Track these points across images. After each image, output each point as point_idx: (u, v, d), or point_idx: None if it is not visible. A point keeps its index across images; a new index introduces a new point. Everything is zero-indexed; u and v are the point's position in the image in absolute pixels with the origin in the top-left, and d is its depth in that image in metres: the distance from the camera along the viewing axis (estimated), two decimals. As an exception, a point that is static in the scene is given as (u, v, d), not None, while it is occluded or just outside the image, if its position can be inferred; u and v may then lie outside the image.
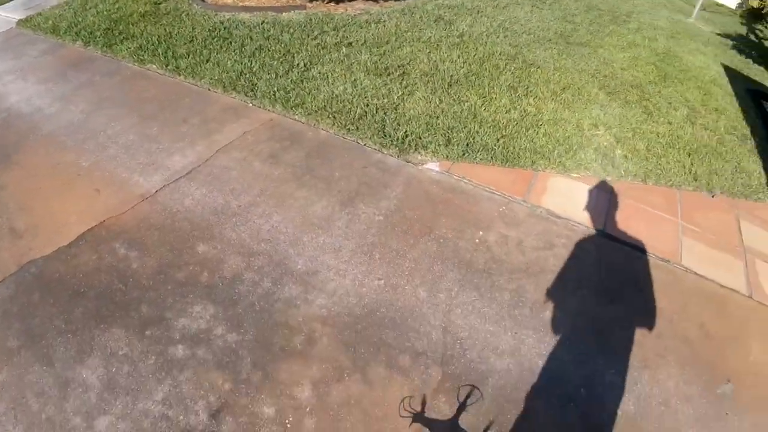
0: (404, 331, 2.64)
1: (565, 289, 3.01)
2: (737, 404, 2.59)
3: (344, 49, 5.54)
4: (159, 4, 6.44)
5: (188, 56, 5.11)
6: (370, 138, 4.11)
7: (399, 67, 5.28)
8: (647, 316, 2.98)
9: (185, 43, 5.37)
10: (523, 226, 3.41)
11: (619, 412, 2.47)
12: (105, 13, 6.07)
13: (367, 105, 4.53)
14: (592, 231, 3.49)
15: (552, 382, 2.52)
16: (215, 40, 5.52)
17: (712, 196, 4.26)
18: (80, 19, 5.89)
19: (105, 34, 5.57)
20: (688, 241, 3.61)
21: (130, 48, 5.26)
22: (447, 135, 4.22)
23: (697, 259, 3.47)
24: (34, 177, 3.52)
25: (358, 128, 4.21)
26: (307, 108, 4.41)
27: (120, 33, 5.60)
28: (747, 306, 3.19)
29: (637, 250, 3.41)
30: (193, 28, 5.75)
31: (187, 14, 6.17)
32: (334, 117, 4.32)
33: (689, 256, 3.47)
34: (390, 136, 4.14)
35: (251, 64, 5.03)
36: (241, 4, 6.63)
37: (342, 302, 2.76)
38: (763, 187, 4.58)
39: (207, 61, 5.04)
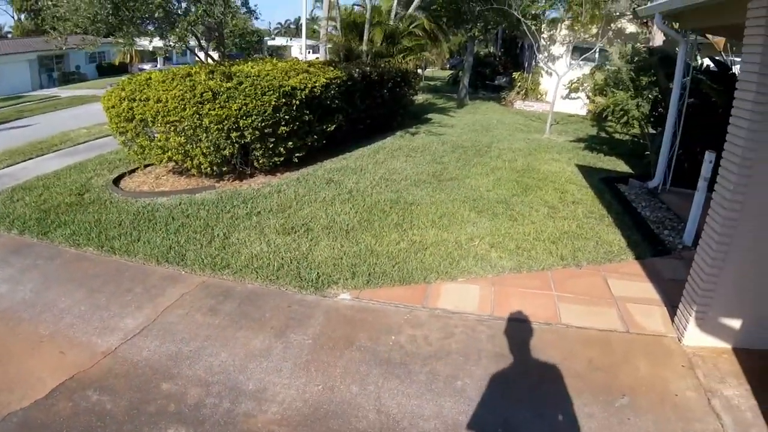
0: (346, 418, 3.33)
1: (468, 361, 3.89)
2: (637, 410, 3.45)
3: (254, 218, 6.55)
4: (82, 194, 7.25)
5: (120, 238, 5.87)
6: (290, 283, 4.98)
7: (303, 225, 6.34)
8: (541, 366, 3.90)
9: (115, 227, 6.16)
10: (426, 326, 4.33)
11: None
12: (33, 204, 6.81)
13: (282, 258, 5.45)
14: (483, 317, 4.48)
15: (474, 429, 3.29)
16: (141, 222, 6.36)
17: (580, 268, 5.48)
18: (10, 210, 6.59)
19: (38, 222, 6.28)
20: (564, 305, 4.73)
21: (64, 234, 5.96)
22: (352, 270, 5.20)
23: (575, 316, 4.55)
24: (0, 345, 3.99)
25: (278, 278, 5.08)
26: (233, 268, 5.24)
27: (52, 221, 6.32)
28: (627, 339, 4.26)
29: (522, 322, 4.43)
30: (119, 214, 6.57)
31: (111, 202, 7.02)
32: (257, 272, 5.17)
33: (567, 316, 4.54)
34: (305, 279, 5.03)
35: (177, 238, 5.87)
36: (157, 189, 7.57)
37: (292, 407, 3.42)
38: (624, 250, 5.96)
39: (138, 240, 5.82)
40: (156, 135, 7.86)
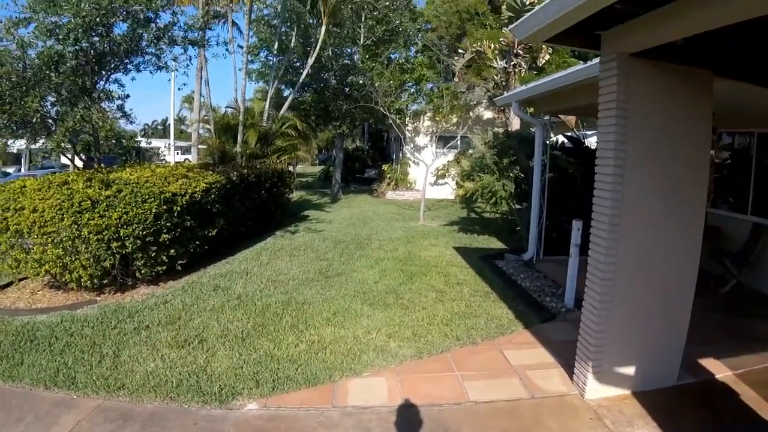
0: None
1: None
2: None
3: (143, 332, 6.41)
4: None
5: (1, 361, 5.46)
6: (192, 399, 4.93)
7: (196, 336, 6.31)
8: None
9: (-7, 352, 5.70)
10: (340, 425, 4.49)
11: None
12: None
13: (180, 373, 5.38)
14: (394, 407, 4.74)
15: None
16: (23, 343, 5.95)
17: (476, 345, 5.98)
18: None
19: None
20: (469, 383, 5.13)
21: (-71, 371, 5.39)
22: (254, 378, 5.28)
23: (481, 391, 4.96)
24: None
25: (179, 394, 5.01)
26: (128, 388, 5.08)
27: None
28: (533, 404, 4.72)
29: (433, 406, 4.73)
30: (-5, 337, 6.09)
31: (-16, 324, 6.47)
32: (155, 390, 5.06)
33: (474, 392, 4.94)
34: (208, 393, 5.02)
35: (64, 359, 5.57)
36: (34, 306, 7.12)
37: None
38: (513, 322, 6.61)
39: (21, 364, 5.44)
40: (32, 247, 7.48)
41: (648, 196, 4.57)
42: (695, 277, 4.85)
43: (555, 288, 8.06)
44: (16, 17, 8.66)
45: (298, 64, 22.19)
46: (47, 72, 8.52)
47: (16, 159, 36.53)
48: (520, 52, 18.73)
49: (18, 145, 11.54)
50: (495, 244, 11.63)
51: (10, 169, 37.50)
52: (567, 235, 7.24)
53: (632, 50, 4.38)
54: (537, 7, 4.54)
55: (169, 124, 29.77)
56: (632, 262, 4.61)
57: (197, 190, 9.11)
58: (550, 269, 9.01)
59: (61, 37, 8.44)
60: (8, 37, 8.44)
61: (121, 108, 10.47)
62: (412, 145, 22.15)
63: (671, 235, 4.69)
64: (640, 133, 4.48)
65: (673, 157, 4.61)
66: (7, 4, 8.72)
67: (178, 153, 32.71)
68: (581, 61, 11.89)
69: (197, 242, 9.28)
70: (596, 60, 5.42)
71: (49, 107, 9.54)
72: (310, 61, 19.17)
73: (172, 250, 8.37)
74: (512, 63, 18.85)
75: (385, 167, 24.10)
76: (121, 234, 7.44)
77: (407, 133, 21.11)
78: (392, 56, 23.81)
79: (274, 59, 20.39)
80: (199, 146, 20.47)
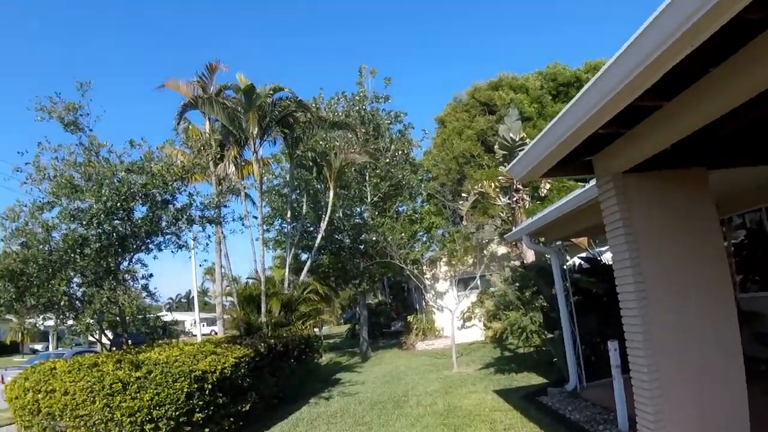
0: None
1: None
2: None
3: None
4: None
5: None
6: None
7: None
8: None
9: None
10: None
11: None
12: None
13: None
14: None
15: None
16: None
17: None
18: None
19: None
20: None
21: None
22: None
23: None
24: None
25: None
26: None
27: None
28: None
29: None
30: None
31: None
32: None
33: None
34: None
35: None
36: None
37: None
38: None
39: None
40: (65, 430, 7.32)
41: (674, 299, 4.53)
42: (742, 365, 4.63)
43: (606, 414, 7.60)
44: (41, 201, 9.27)
45: (311, 228, 23.12)
46: (72, 255, 8.90)
47: (44, 336, 36.76)
48: (520, 186, 19.47)
49: (47, 323, 11.74)
50: (535, 379, 11.14)
51: (39, 346, 37.66)
52: (605, 356, 6.98)
53: (624, 168, 4.60)
54: (525, 149, 4.88)
55: (193, 297, 30.27)
56: (676, 373, 4.44)
57: (227, 365, 9.06)
58: (597, 395, 8.55)
59: (84, 221, 8.95)
60: (33, 220, 8.96)
61: (145, 287, 10.77)
62: (433, 293, 22.17)
63: (706, 332, 4.56)
64: (651, 243, 4.55)
65: (688, 254, 4.63)
66: (32, 189, 9.35)
67: (203, 325, 32.82)
68: (581, 183, 12.36)
69: (231, 419, 9.00)
70: (593, 182, 5.66)
71: (76, 288, 9.82)
72: (323, 225, 19.97)
73: (206, 429, 8.12)
74: (515, 198, 19.50)
75: (410, 318, 23.89)
76: (154, 415, 7.31)
77: (426, 281, 21.24)
78: (400, 209, 24.79)
79: (289, 226, 21.28)
80: (224, 317, 20.61)
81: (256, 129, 17.18)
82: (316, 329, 19.90)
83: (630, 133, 4.26)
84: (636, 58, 2.98)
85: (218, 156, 18.58)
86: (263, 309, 16.62)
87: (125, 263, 10.36)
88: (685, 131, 3.75)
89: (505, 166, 16.29)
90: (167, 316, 21.01)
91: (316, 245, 20.68)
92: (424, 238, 23.78)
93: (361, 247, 22.80)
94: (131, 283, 10.55)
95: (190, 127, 21.07)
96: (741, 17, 2.45)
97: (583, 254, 14.62)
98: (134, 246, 10.17)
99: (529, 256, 17.81)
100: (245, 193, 19.63)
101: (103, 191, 8.94)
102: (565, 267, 10.07)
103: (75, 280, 9.77)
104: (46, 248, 9.01)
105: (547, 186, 19.96)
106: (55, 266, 8.88)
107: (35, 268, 8.71)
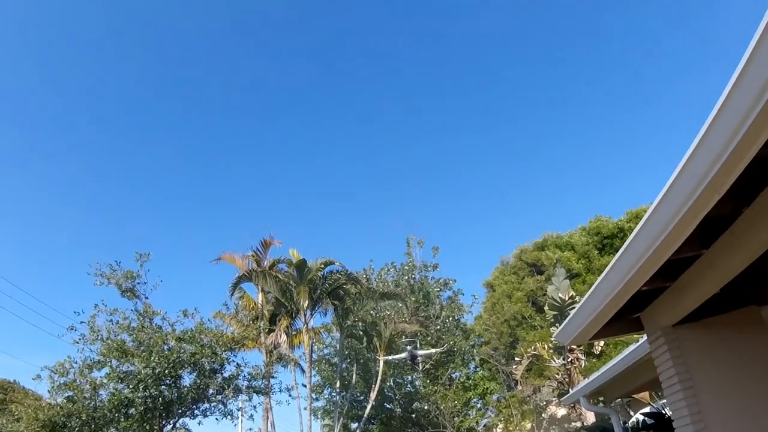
0: None
1: None
2: None
3: None
4: None
5: None
6: None
7: None
8: None
9: None
10: None
11: None
12: None
13: None
14: None
15: None
16: None
17: None
18: None
19: None
20: None
21: None
22: None
23: None
24: None
25: None
26: None
27: None
28: None
29: None
30: None
31: None
32: None
33: None
34: None
35: None
36: None
37: None
38: None
39: None
40: None
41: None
42: None
43: None
44: (91, 360, 9.72)
45: (361, 397, 22.59)
46: (116, 414, 9.10)
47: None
48: (574, 346, 18.87)
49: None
50: None
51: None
52: None
53: (674, 321, 4.44)
54: (571, 314, 4.85)
55: None
56: None
57: None
58: None
59: (131, 385, 9.29)
60: (82, 378, 9.33)
61: None
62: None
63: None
64: (710, 395, 4.31)
65: (752, 401, 4.35)
66: (83, 348, 9.85)
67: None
68: (637, 337, 12.05)
69: None
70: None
71: None
72: (373, 394, 19.59)
73: None
74: (569, 359, 18.82)
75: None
76: None
77: (485, 451, 19.94)
78: (453, 375, 24.12)
79: (338, 396, 20.93)
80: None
81: (307, 301, 17.89)
82: None
83: (675, 285, 4.18)
84: (663, 219, 3.08)
85: (268, 330, 19.07)
86: None
87: (169, 427, 10.51)
88: (730, 274, 3.67)
89: (557, 327, 16.07)
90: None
91: (365, 415, 20.09)
92: (479, 405, 22.72)
93: (413, 416, 21.94)
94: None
95: (244, 296, 22.04)
96: (760, 155, 2.54)
97: (647, 409, 13.72)
98: (179, 411, 10.38)
99: (590, 417, 16.69)
100: (295, 362, 19.85)
101: (153, 357, 9.43)
102: (628, 425, 9.53)
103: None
104: (92, 405, 9.29)
105: (602, 342, 19.27)
106: (98, 423, 9.11)
107: (78, 422, 8.93)
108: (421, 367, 22.86)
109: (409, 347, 18.52)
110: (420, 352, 19.39)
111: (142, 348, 9.74)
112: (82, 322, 10.08)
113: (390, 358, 19.81)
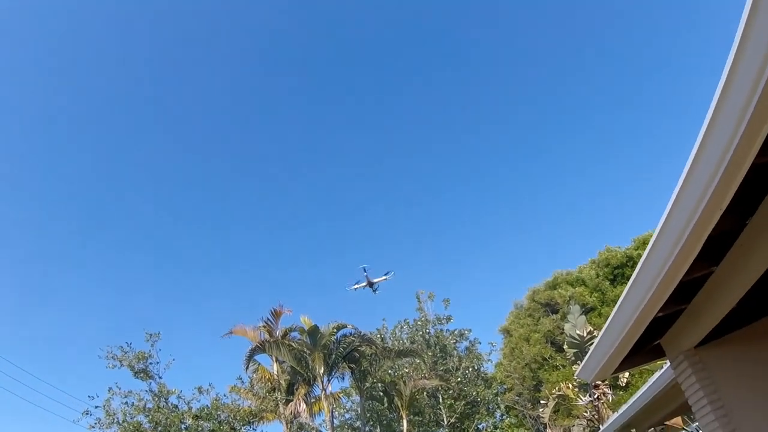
0: None
1: None
2: None
3: None
4: None
5: None
6: None
7: None
8: None
9: None
10: None
11: None
12: None
13: None
14: None
15: None
16: None
17: None
18: None
19: None
20: None
21: None
22: None
23: None
24: None
25: None
26: None
27: None
28: None
29: None
30: None
31: None
32: None
33: None
34: None
35: None
36: None
37: None
38: None
39: None
40: None
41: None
42: None
43: None
44: None
45: (387, 461, 21.95)
46: None
47: None
48: (599, 381, 18.47)
49: None
50: None
51: None
52: None
53: (695, 342, 4.34)
54: (590, 351, 4.78)
55: None
56: None
57: None
58: None
59: None
60: None
61: None
62: None
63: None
64: (742, 410, 4.22)
65: None
66: None
67: None
68: (660, 361, 11.81)
69: None
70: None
71: None
72: (399, 456, 19.09)
73: None
74: (596, 395, 18.38)
75: None
76: None
77: None
78: (480, 427, 23.49)
79: (362, 460, 20.37)
80: None
81: (323, 367, 17.69)
82: None
83: (690, 307, 4.14)
84: (668, 242, 3.10)
85: (285, 400, 18.74)
86: None
87: None
88: (744, 287, 3.60)
89: (579, 364, 15.81)
90: None
91: (392, 479, 19.48)
92: (510, 455, 22.02)
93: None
94: None
95: (258, 368, 21.74)
96: (757, 163, 2.54)
97: (680, 435, 13.30)
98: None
99: (625, 457, 16.09)
100: (316, 430, 19.42)
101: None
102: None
103: None
104: None
105: (627, 373, 18.86)
106: None
107: None
108: (446, 422, 22.28)
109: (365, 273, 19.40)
110: (376, 279, 20.39)
111: (159, 429, 9.64)
112: (97, 407, 10.02)
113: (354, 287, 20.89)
